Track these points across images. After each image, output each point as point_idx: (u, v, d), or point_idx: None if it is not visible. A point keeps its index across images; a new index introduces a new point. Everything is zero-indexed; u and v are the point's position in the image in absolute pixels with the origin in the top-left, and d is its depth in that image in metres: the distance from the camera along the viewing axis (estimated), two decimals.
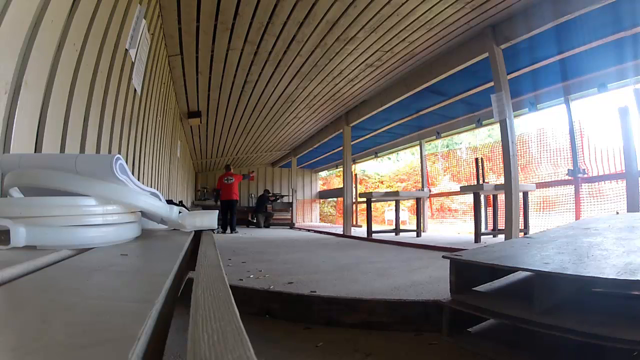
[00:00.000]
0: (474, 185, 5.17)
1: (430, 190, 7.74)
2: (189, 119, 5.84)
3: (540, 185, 5.14)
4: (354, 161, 9.92)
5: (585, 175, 4.57)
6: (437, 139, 7.56)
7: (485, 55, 3.80)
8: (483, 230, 5.04)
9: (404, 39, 3.89)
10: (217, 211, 1.16)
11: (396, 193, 7.06)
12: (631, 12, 3.12)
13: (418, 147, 8.17)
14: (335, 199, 14.27)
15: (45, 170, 0.71)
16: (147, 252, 0.75)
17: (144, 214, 0.90)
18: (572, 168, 4.65)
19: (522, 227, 4.41)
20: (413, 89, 4.91)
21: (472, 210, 4.91)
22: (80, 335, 0.25)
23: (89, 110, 1.56)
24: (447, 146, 14.17)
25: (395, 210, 6.66)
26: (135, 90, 2.38)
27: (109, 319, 0.30)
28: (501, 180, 4.29)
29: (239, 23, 3.37)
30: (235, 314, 0.31)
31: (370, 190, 9.12)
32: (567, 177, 4.76)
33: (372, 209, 6.06)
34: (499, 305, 1.36)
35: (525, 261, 1.42)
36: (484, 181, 5.57)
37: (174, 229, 1.05)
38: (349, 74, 4.82)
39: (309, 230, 8.80)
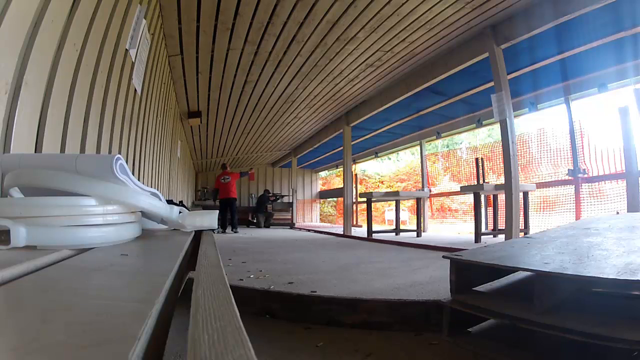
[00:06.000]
0: (474, 185, 5.17)
1: (430, 190, 7.74)
2: (189, 119, 5.84)
3: (540, 185, 5.14)
4: (354, 161, 9.92)
5: (586, 175, 4.57)
6: (437, 139, 7.56)
7: (485, 55, 3.80)
8: (483, 230, 5.04)
9: (404, 39, 3.89)
10: (217, 211, 1.16)
11: (396, 193, 7.06)
12: (631, 12, 3.12)
13: (418, 147, 8.18)
14: (335, 199, 14.27)
15: (45, 170, 0.71)
16: (147, 252, 0.75)
17: (144, 214, 0.90)
18: (572, 168, 4.64)
19: (522, 227, 4.41)
20: (413, 89, 4.91)
21: (473, 210, 4.91)
22: (80, 335, 0.25)
23: (89, 110, 1.56)
24: (447, 146, 14.18)
25: (396, 210, 6.66)
26: (135, 90, 2.38)
27: (109, 319, 0.30)
28: (501, 180, 4.29)
29: (239, 23, 3.37)
30: (235, 314, 0.31)
31: (371, 190, 9.12)
32: (567, 177, 4.76)
33: (372, 209, 6.06)
34: (499, 305, 1.36)
35: (525, 261, 1.42)
36: (484, 181, 5.57)
37: (174, 229, 1.05)
38: (349, 74, 4.82)
39: (309, 230, 8.80)
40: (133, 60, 2.22)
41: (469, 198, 6.33)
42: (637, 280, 1.03)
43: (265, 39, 3.70)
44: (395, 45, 4.03)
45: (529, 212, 4.76)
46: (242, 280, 2.31)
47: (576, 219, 4.38)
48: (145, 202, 0.79)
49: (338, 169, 12.20)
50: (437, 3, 3.22)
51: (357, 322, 1.77)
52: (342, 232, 6.91)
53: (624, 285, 1.13)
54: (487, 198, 5.59)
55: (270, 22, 3.40)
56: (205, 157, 10.28)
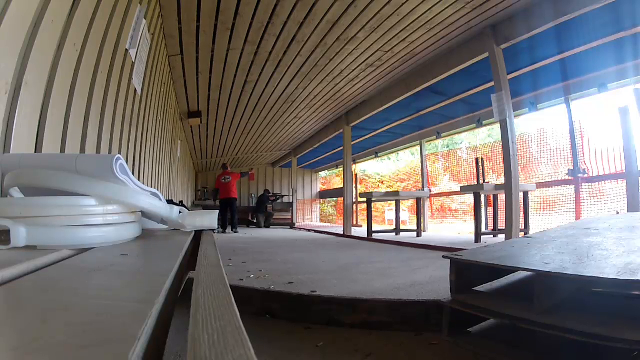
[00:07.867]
0: (474, 185, 5.17)
1: (430, 190, 7.74)
2: (189, 119, 5.84)
3: (540, 185, 5.14)
4: (354, 161, 9.92)
5: (586, 175, 4.57)
6: (437, 139, 7.56)
7: (486, 55, 3.80)
8: (483, 230, 5.03)
9: (404, 39, 3.88)
10: (217, 211, 1.16)
11: (396, 193, 7.06)
12: (631, 12, 3.12)
13: (418, 147, 8.18)
14: (335, 199, 14.27)
15: (45, 170, 0.71)
16: (148, 252, 0.75)
17: (144, 214, 0.90)
18: (573, 168, 4.64)
19: (523, 227, 4.40)
20: (413, 89, 4.91)
21: (473, 210, 4.91)
22: (80, 335, 0.25)
23: (89, 110, 1.56)
24: (447, 146, 14.17)
25: (396, 210, 6.66)
26: (135, 90, 2.38)
27: (109, 319, 0.30)
28: (501, 180, 4.29)
29: (239, 23, 3.37)
30: (235, 314, 0.31)
31: (371, 190, 9.12)
32: (567, 177, 4.76)
33: (373, 209, 6.06)
34: (499, 305, 1.36)
35: (525, 261, 1.42)
36: (484, 181, 5.57)
37: (174, 229, 1.05)
38: (349, 74, 4.82)
39: (309, 230, 8.80)
40: (133, 60, 2.22)
41: (469, 198, 6.33)
42: (637, 280, 1.03)
43: (265, 39, 3.70)
44: (395, 45, 4.03)
45: (529, 212, 4.76)
46: (242, 280, 2.31)
47: (576, 219, 4.38)
48: (145, 202, 0.79)
49: (338, 169, 12.20)
50: (437, 3, 3.22)
51: (357, 322, 1.77)
52: (342, 232, 6.91)
53: (624, 285, 1.13)
54: (487, 198, 5.59)
55: (271, 22, 3.40)
56: (205, 157, 10.28)
